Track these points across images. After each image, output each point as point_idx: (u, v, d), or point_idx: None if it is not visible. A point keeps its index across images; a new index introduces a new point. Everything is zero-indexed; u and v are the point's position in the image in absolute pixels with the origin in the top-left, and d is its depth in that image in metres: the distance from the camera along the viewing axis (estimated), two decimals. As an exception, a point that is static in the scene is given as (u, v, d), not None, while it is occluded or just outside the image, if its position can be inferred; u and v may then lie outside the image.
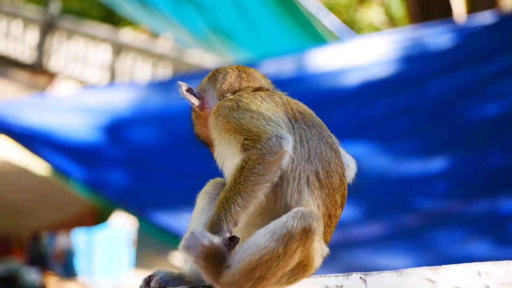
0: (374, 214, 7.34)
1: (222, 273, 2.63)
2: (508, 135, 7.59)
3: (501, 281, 3.05)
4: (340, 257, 6.88)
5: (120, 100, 8.80)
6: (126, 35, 24.35)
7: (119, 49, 22.06)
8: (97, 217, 12.12)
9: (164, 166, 7.78)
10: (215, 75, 3.06)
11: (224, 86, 3.00)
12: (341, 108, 7.91)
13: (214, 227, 2.69)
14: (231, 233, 2.70)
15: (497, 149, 7.45)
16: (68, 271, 16.40)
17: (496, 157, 7.44)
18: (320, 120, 2.93)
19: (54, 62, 22.23)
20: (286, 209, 2.71)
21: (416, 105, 8.01)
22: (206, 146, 3.11)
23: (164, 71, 21.46)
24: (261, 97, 2.89)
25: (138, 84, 11.05)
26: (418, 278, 2.99)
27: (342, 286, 2.89)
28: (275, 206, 2.75)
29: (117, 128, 8.45)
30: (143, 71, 21.74)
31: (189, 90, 3.01)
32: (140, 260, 18.36)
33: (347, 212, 7.12)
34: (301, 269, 2.69)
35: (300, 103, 2.96)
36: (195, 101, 3.01)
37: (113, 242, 17.67)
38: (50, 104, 9.42)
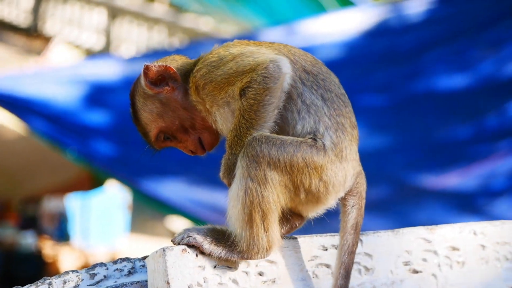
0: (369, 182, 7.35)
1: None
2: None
3: (496, 241, 3.05)
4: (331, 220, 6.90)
5: (108, 72, 8.80)
6: (122, -2, 24.15)
7: (114, 13, 21.89)
8: (93, 182, 12.14)
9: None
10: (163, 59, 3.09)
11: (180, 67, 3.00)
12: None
13: (234, 168, 2.68)
14: None
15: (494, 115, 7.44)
16: (61, 235, 16.44)
17: (493, 121, 7.43)
18: None
19: (49, 26, 22.05)
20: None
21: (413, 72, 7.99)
22: (173, 141, 3.11)
23: (160, 35, 21.33)
24: (227, 46, 2.87)
25: (127, 57, 10.98)
26: (414, 237, 2.97)
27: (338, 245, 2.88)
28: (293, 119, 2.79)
29: (107, 99, 8.45)
30: (139, 35, 21.61)
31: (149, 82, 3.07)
32: (135, 225, 18.40)
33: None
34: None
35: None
36: (163, 88, 3.03)
37: (108, 206, 17.70)
38: (41, 75, 9.39)
